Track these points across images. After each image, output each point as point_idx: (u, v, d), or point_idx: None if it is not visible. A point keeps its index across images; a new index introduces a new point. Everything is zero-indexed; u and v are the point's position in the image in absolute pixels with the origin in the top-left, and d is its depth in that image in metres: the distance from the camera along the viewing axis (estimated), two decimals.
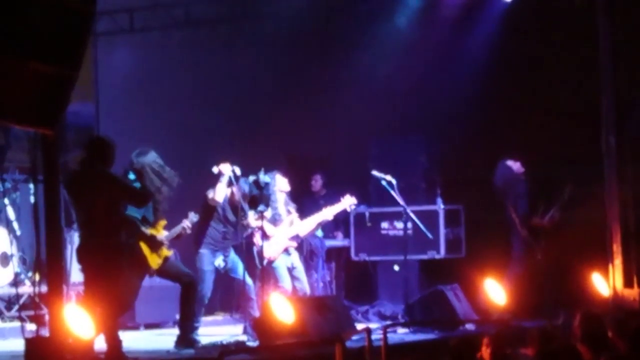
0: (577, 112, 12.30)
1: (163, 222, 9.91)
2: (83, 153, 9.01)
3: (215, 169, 10.24)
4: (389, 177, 11.52)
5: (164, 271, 9.93)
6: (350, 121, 13.24)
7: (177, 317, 10.26)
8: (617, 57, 11.43)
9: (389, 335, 7.90)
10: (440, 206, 12.61)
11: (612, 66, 11.42)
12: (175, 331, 10.21)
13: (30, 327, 9.58)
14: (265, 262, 10.41)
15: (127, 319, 11.04)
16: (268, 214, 10.64)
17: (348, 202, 11.33)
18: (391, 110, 13.36)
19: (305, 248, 11.88)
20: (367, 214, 12.72)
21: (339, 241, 13.24)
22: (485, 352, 6.60)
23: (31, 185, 12.01)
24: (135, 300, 9.99)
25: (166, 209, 9.74)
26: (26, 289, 11.45)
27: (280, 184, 10.88)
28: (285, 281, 10.73)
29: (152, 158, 9.47)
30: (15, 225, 12.07)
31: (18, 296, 11.28)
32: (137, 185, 9.20)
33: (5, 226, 11.86)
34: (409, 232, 11.86)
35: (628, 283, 11.24)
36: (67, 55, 6.39)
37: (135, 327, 11.58)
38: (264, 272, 10.35)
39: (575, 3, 11.92)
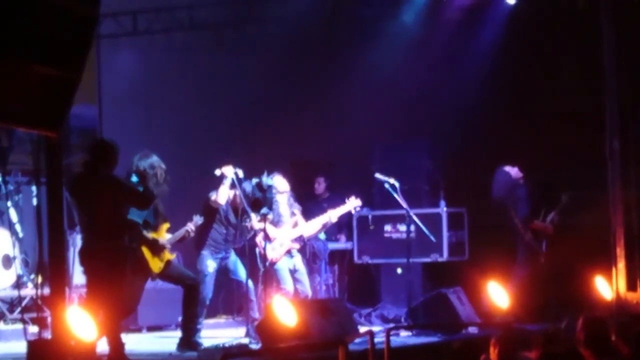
0: (581, 116, 12.29)
1: (166, 225, 9.93)
2: (86, 156, 9.01)
3: (217, 172, 10.24)
4: (392, 180, 11.49)
5: (166, 274, 9.94)
6: (354, 125, 13.26)
7: (180, 319, 10.27)
8: (621, 61, 11.42)
9: (391, 338, 7.92)
10: (443, 209, 12.60)
11: (615, 70, 11.42)
12: (177, 334, 10.22)
13: (33, 329, 9.59)
14: (267, 264, 10.41)
15: (130, 321, 11.05)
16: (271, 216, 10.64)
17: (353, 204, 11.30)
18: (395, 114, 13.38)
19: (308, 251, 11.87)
20: (370, 217, 12.66)
21: (341, 244, 13.24)
22: (493, 352, 6.58)
23: (34, 188, 12.00)
24: (138, 303, 9.98)
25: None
26: (29, 291, 11.45)
27: (278, 185, 10.85)
28: (287, 283, 10.71)
29: (154, 161, 9.49)
30: (18, 227, 12.05)
31: (20, 298, 11.25)
32: (140, 188, 9.20)
33: (7, 228, 11.86)
34: (412, 235, 11.85)
35: (631, 286, 11.25)
36: (70, 58, 6.37)
37: (138, 330, 11.60)
38: (266, 274, 10.35)
39: (579, 5, 11.92)
